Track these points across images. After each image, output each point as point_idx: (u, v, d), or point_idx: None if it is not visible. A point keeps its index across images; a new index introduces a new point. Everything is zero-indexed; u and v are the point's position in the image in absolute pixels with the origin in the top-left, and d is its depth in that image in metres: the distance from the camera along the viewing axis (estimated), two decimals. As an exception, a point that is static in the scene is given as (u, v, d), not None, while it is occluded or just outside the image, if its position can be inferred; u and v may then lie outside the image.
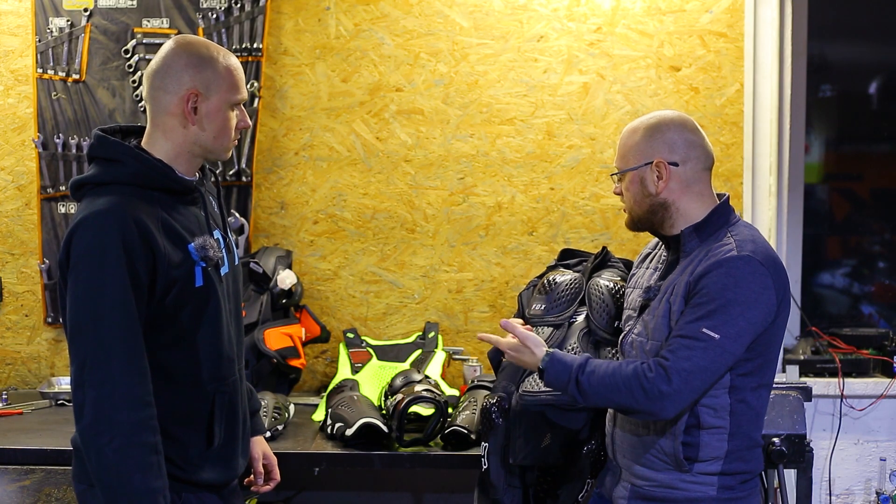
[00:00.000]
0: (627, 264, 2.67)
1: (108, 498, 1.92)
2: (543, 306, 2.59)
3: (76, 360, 1.94)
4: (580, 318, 2.55)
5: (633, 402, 2.07)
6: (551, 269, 2.75)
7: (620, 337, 2.33)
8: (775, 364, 2.20)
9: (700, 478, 2.14)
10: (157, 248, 1.98)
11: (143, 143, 2.10)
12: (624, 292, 2.45)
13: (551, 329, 2.54)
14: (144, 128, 2.14)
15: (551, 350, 2.21)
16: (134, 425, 1.92)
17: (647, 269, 2.35)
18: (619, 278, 2.57)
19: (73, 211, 3.51)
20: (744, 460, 2.16)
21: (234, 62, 2.11)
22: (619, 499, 2.25)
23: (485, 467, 2.52)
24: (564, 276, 2.64)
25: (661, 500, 2.17)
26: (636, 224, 2.28)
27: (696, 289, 2.09)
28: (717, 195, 2.26)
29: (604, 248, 2.72)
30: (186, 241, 2.04)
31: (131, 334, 1.94)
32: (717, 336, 2.03)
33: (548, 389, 2.40)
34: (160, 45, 3.39)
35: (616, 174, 2.29)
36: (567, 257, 2.81)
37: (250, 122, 2.24)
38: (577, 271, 2.69)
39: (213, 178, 2.22)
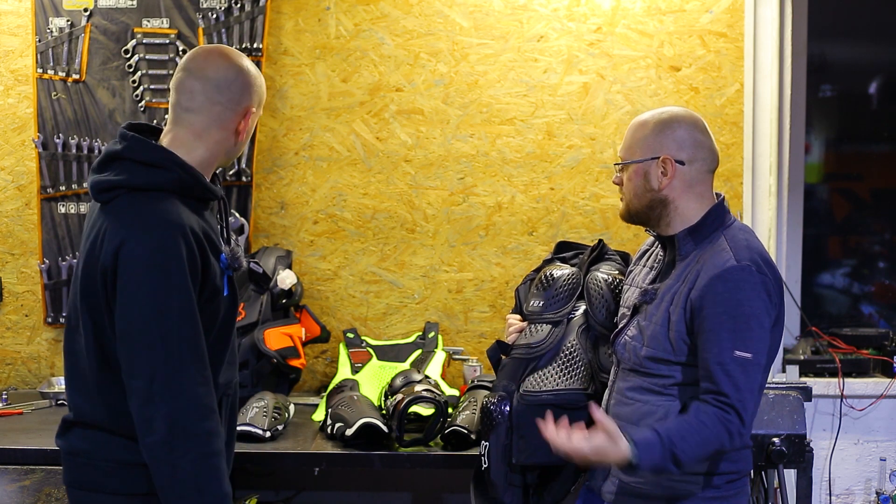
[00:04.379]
0: (624, 256, 2.67)
1: None
2: (541, 303, 2.55)
3: (143, 374, 1.91)
4: (578, 314, 2.52)
5: (721, 446, 2.07)
6: (548, 262, 2.71)
7: (612, 334, 2.33)
8: (769, 367, 2.19)
9: (685, 476, 2.13)
10: (206, 258, 1.99)
11: (170, 147, 2.05)
12: (622, 287, 2.44)
13: (550, 326, 2.51)
14: (152, 126, 2.13)
15: (630, 437, 2.01)
16: (208, 435, 1.93)
17: (643, 266, 2.34)
18: (616, 272, 2.55)
19: (73, 211, 3.51)
20: (731, 460, 2.16)
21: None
22: (607, 493, 2.26)
23: (485, 466, 2.51)
24: (562, 271, 2.59)
25: (646, 496, 2.18)
26: (632, 216, 2.27)
27: (704, 304, 2.08)
28: (714, 194, 2.26)
29: (600, 240, 2.69)
30: (219, 250, 2.06)
31: (199, 345, 1.95)
32: (749, 355, 2.05)
33: (549, 388, 2.40)
34: (160, 45, 3.46)
35: (620, 164, 2.27)
36: (563, 250, 2.77)
37: None
38: (574, 265, 2.65)
39: (219, 183, 2.21)
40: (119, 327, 1.93)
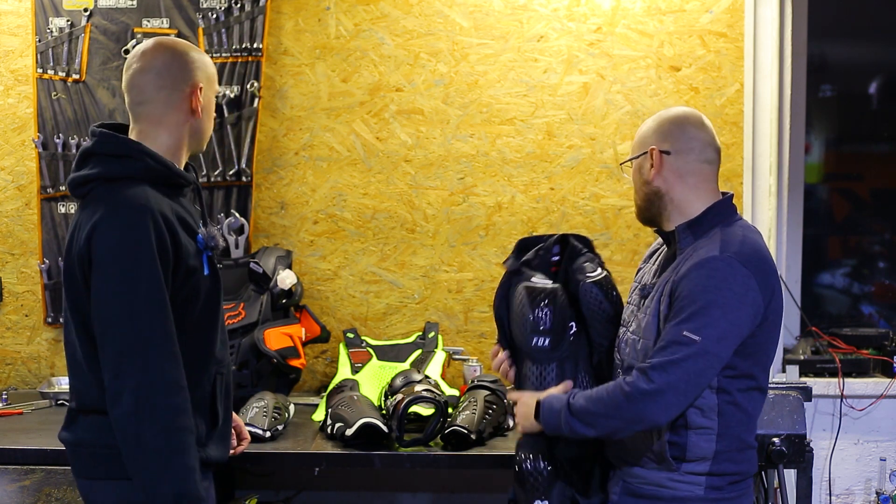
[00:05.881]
0: (585, 241, 2.44)
1: (149, 481, 1.99)
2: (548, 340, 2.30)
3: (111, 350, 2.00)
4: (573, 332, 2.32)
5: (619, 411, 2.07)
6: (515, 273, 2.41)
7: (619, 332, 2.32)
8: (768, 367, 2.19)
9: (688, 477, 2.14)
10: (178, 239, 2.09)
11: (139, 140, 2.18)
12: (608, 283, 2.33)
13: (556, 364, 2.30)
14: (124, 125, 2.24)
15: (542, 396, 2.20)
16: (173, 409, 2.01)
17: (652, 264, 2.34)
18: (598, 269, 2.33)
19: (73, 211, 3.51)
20: (734, 462, 2.15)
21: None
22: (613, 494, 2.27)
23: None
24: (553, 300, 2.29)
25: (649, 497, 2.18)
26: (641, 215, 2.30)
27: (678, 291, 2.09)
28: (722, 193, 2.25)
29: (561, 235, 2.45)
30: (195, 231, 2.17)
31: (166, 323, 2.03)
32: (697, 339, 2.02)
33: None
34: (160, 45, 3.45)
35: (623, 162, 2.33)
36: (523, 249, 2.45)
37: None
38: (537, 266, 2.40)
39: (195, 173, 2.32)
40: (93, 307, 2.03)
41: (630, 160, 2.28)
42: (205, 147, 2.30)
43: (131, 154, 2.12)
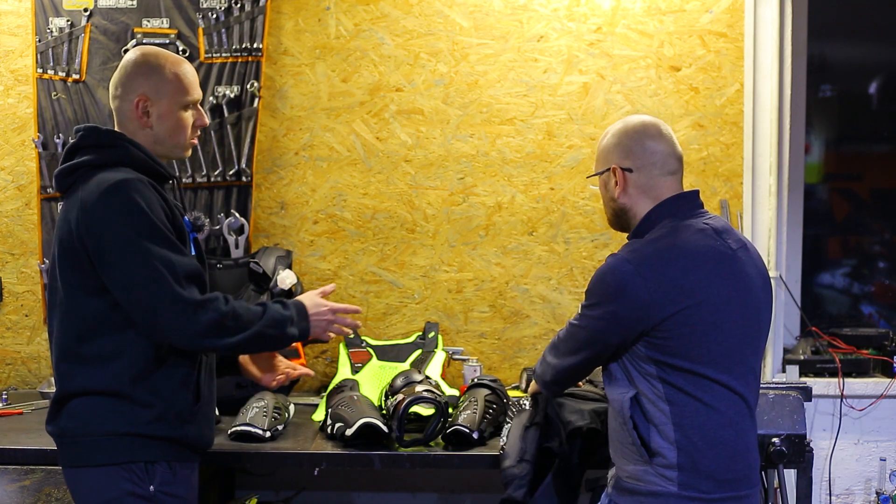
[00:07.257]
0: None
1: (280, 337, 2.26)
2: None
3: (149, 307, 2.10)
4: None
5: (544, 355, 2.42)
6: None
7: None
8: (725, 363, 2.16)
9: (660, 470, 2.14)
10: (169, 205, 2.20)
11: None
12: None
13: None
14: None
15: None
16: (227, 313, 2.17)
17: None
18: None
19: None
20: (707, 458, 2.13)
21: (185, 68, 2.30)
22: (608, 487, 2.30)
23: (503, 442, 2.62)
24: None
25: (629, 491, 2.19)
26: (611, 225, 2.39)
27: None
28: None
29: None
30: (181, 214, 2.27)
31: (189, 260, 2.17)
32: (577, 313, 2.27)
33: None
34: (160, 45, 3.45)
35: (589, 177, 2.41)
36: None
37: (207, 121, 2.42)
38: None
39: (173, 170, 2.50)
40: (116, 282, 2.12)
41: (595, 175, 2.35)
42: (186, 153, 2.37)
43: (115, 143, 2.22)
